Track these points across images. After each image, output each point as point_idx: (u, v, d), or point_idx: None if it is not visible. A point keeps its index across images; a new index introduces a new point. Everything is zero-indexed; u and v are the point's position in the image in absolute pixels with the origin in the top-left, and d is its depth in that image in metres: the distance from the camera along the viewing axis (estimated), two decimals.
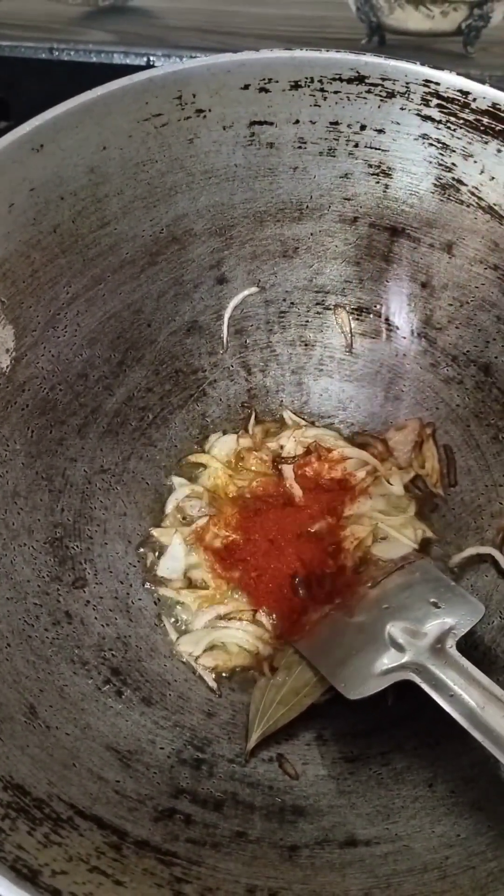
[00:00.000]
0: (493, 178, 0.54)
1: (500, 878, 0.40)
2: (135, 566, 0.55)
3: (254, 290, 0.61)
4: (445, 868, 0.41)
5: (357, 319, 0.62)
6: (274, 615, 0.54)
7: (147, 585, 0.55)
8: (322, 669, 0.51)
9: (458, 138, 0.54)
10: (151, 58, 0.88)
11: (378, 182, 0.57)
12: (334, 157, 0.57)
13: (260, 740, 0.49)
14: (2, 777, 0.40)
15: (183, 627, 0.55)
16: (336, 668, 0.50)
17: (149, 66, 0.86)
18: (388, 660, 0.48)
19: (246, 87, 0.53)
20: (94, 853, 0.39)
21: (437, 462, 0.59)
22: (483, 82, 0.53)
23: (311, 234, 0.60)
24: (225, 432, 0.62)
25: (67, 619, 0.50)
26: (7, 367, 0.50)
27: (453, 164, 0.55)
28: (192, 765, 0.47)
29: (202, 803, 0.45)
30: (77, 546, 0.53)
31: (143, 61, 0.88)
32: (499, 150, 0.53)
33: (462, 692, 0.45)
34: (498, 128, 0.53)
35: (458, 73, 0.53)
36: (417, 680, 0.46)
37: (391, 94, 0.54)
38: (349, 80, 0.53)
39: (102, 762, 0.45)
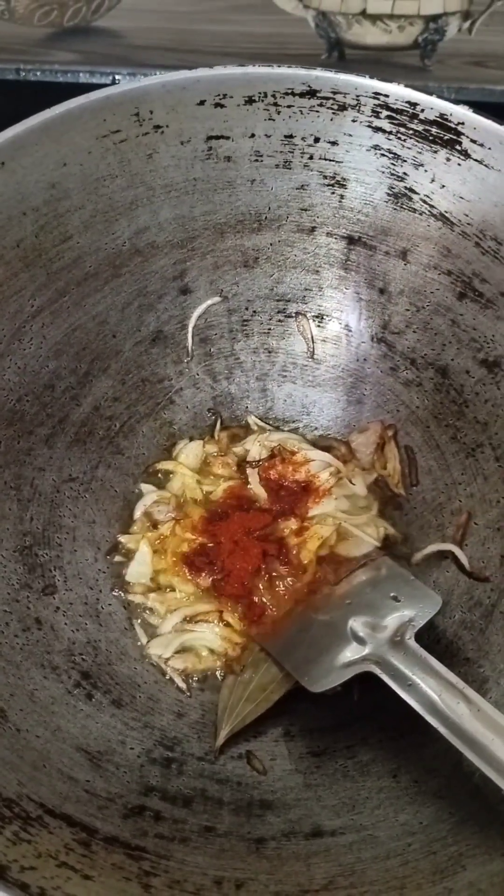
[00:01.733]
0: (443, 186, 0.56)
1: (459, 862, 0.41)
2: (104, 572, 0.56)
3: (217, 299, 0.62)
4: (407, 854, 0.43)
5: (318, 326, 0.63)
6: (240, 614, 0.55)
7: (116, 591, 0.56)
8: (286, 665, 0.52)
9: (409, 148, 0.56)
10: (117, 76, 0.90)
11: (333, 193, 0.59)
12: (290, 169, 0.58)
13: (228, 737, 0.50)
14: None
15: (152, 631, 0.56)
16: (300, 663, 0.51)
17: (114, 84, 0.88)
18: (350, 653, 0.50)
19: (202, 102, 0.55)
20: (62, 849, 0.40)
21: (399, 463, 0.60)
22: (436, 94, 0.55)
23: (271, 244, 0.61)
24: (192, 439, 0.63)
25: (38, 625, 0.51)
26: None
27: (405, 173, 0.56)
28: (161, 763, 0.48)
29: (171, 800, 0.46)
30: (46, 554, 0.54)
31: (108, 80, 0.90)
32: (448, 159, 0.55)
33: (420, 681, 0.46)
34: (446, 137, 0.54)
35: (415, 86, 0.55)
36: (377, 671, 0.48)
37: (343, 107, 0.55)
38: (301, 94, 0.55)
39: (72, 763, 0.46)
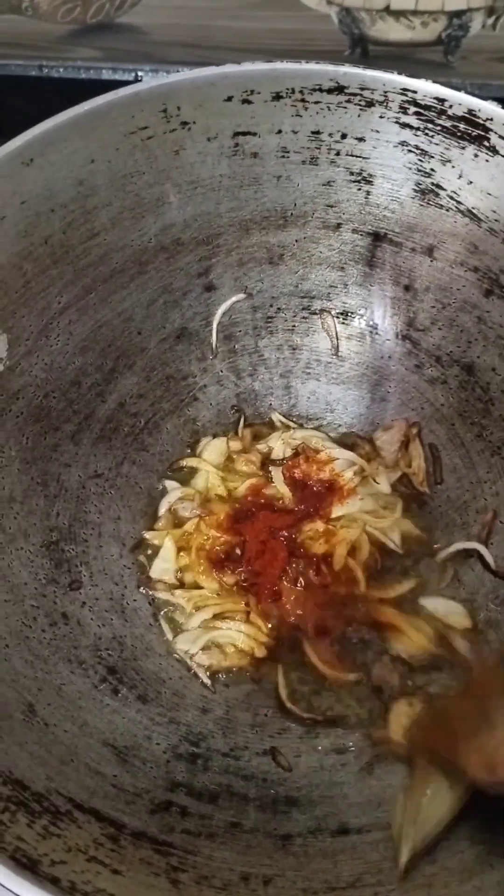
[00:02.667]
0: (470, 182, 0.55)
1: (486, 861, 0.41)
2: (129, 568, 0.57)
3: (241, 296, 0.62)
4: (435, 853, 0.42)
5: (342, 323, 0.63)
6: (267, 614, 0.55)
7: (142, 589, 0.56)
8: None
9: (436, 144, 0.55)
10: (139, 73, 0.89)
11: (360, 189, 0.59)
12: (317, 165, 0.58)
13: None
14: (1, 772, 0.41)
15: (177, 627, 0.56)
16: None
17: (136, 81, 0.88)
18: None
19: (229, 99, 0.55)
20: (91, 844, 0.40)
21: (423, 461, 0.60)
22: (459, 90, 0.55)
23: (296, 241, 0.61)
24: (215, 436, 0.63)
25: (64, 620, 0.51)
26: (1, 374, 0.52)
27: (432, 169, 0.56)
28: (187, 759, 0.48)
29: (197, 796, 0.46)
30: (73, 549, 0.54)
31: (130, 76, 0.90)
32: (475, 155, 0.55)
33: None
34: (474, 133, 0.54)
35: (439, 82, 0.55)
36: None
37: (370, 104, 0.55)
38: (329, 91, 0.55)
39: (100, 758, 0.46)
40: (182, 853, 0.42)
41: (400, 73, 0.54)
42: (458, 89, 0.55)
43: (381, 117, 0.55)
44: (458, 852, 0.42)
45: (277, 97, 0.55)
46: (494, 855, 0.42)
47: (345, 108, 0.55)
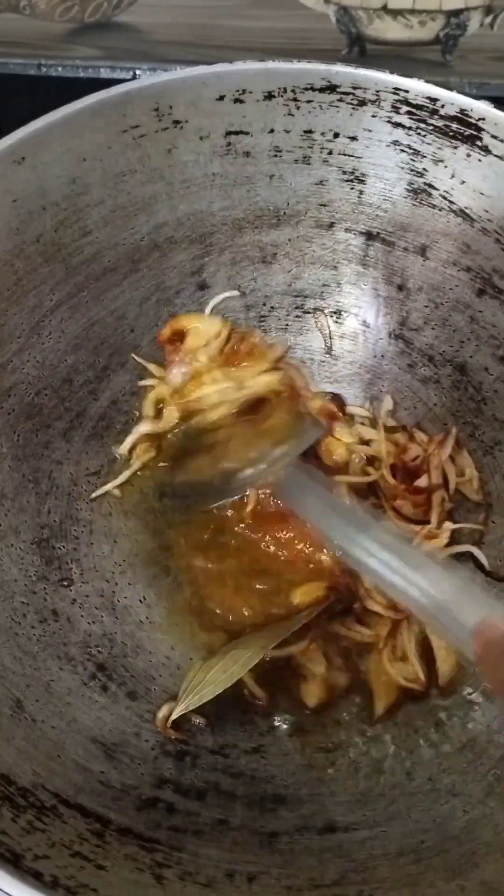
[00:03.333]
0: (463, 181, 0.55)
1: (472, 861, 0.41)
2: (120, 566, 0.57)
3: (234, 293, 0.62)
4: (420, 852, 0.43)
5: (336, 322, 0.63)
6: None
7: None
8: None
9: (429, 144, 0.55)
10: (137, 71, 0.90)
11: (352, 188, 0.59)
12: (309, 164, 0.58)
13: (181, 713, 0.50)
14: None
15: None
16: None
17: (135, 79, 0.88)
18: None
19: (221, 98, 0.55)
20: (76, 839, 0.40)
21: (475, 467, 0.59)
22: (457, 89, 0.55)
23: (289, 240, 0.61)
24: None
25: (54, 617, 0.52)
26: None
27: (424, 169, 0.56)
28: (175, 756, 0.49)
29: (185, 793, 0.46)
30: (63, 546, 0.55)
31: (129, 75, 0.90)
32: (468, 155, 0.55)
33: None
34: (466, 133, 0.54)
35: (436, 81, 0.55)
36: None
37: (362, 103, 0.55)
38: (321, 90, 0.55)
39: (87, 754, 0.46)
40: (168, 849, 0.42)
41: (392, 73, 0.54)
42: (456, 88, 0.55)
43: (373, 116, 0.55)
44: (444, 851, 0.42)
45: (269, 96, 0.55)
46: (480, 855, 0.42)
47: (337, 107, 0.55)
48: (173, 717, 0.50)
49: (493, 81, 0.87)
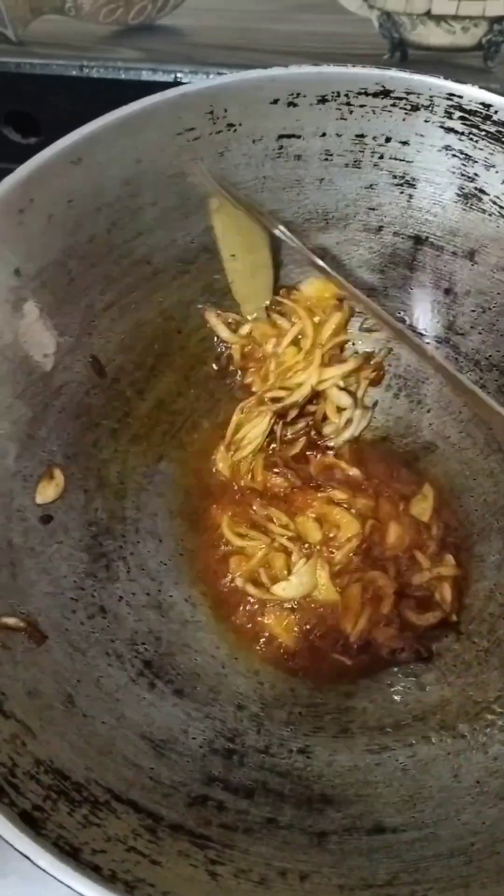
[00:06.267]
0: None
1: None
2: (166, 564, 0.57)
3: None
4: (471, 854, 0.43)
5: (381, 326, 0.63)
6: None
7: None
8: None
9: (481, 149, 0.55)
10: (178, 74, 0.90)
11: (402, 192, 0.59)
12: (360, 168, 0.58)
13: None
14: (43, 761, 0.42)
15: None
16: None
17: (176, 82, 0.88)
18: None
19: (275, 101, 0.55)
20: (130, 834, 0.41)
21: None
22: (499, 94, 0.55)
23: (337, 243, 0.61)
24: None
25: (102, 614, 0.52)
26: (48, 370, 0.53)
27: (476, 174, 0.56)
28: (223, 754, 0.49)
29: (234, 791, 0.47)
30: (110, 544, 0.55)
31: (170, 78, 0.90)
32: None
33: None
34: None
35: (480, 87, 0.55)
36: None
37: (415, 108, 0.55)
38: (374, 94, 0.55)
39: (137, 750, 0.46)
40: (219, 847, 0.42)
41: (446, 78, 0.54)
42: (498, 94, 0.56)
43: (425, 121, 0.56)
44: (495, 853, 0.42)
45: (323, 100, 0.55)
46: None
47: (389, 111, 0.56)
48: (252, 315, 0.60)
49: None
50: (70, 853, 0.37)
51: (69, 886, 0.36)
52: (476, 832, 0.44)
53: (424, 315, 0.62)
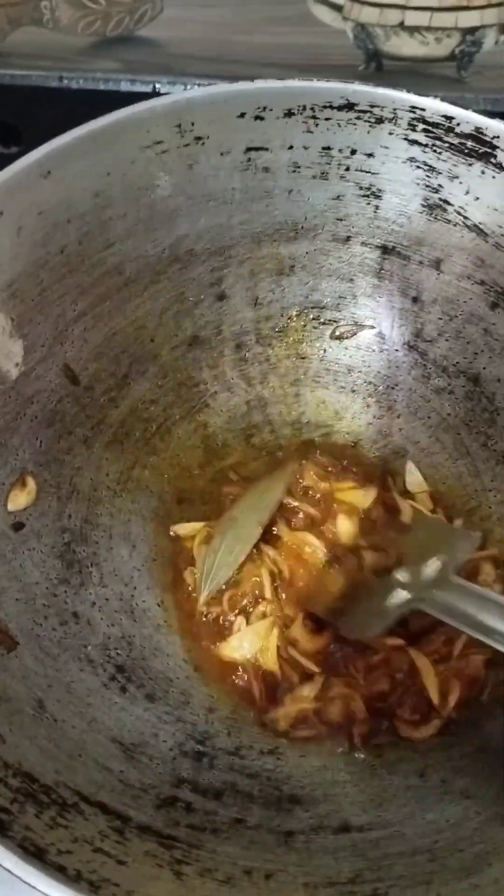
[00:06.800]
0: (477, 198, 0.57)
1: (485, 860, 0.42)
2: (139, 569, 0.58)
3: None
4: (435, 851, 0.43)
5: (352, 334, 0.64)
6: None
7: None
8: (328, 617, 0.55)
9: (444, 161, 0.57)
10: (157, 85, 0.91)
11: (369, 203, 0.60)
12: (327, 180, 0.59)
13: (208, 598, 0.57)
14: (11, 765, 0.42)
15: None
16: (344, 616, 0.54)
17: (154, 93, 0.89)
18: (395, 599, 0.52)
19: (242, 115, 0.56)
20: (97, 835, 0.41)
21: None
22: (472, 105, 0.56)
23: (307, 253, 0.62)
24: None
25: (74, 620, 0.53)
26: (16, 379, 0.53)
27: (440, 185, 0.57)
28: (193, 757, 0.50)
29: (203, 792, 0.47)
30: (84, 550, 0.56)
31: (149, 88, 0.91)
32: (482, 172, 0.56)
33: (470, 609, 0.47)
34: (481, 150, 0.55)
35: (452, 97, 0.56)
36: (428, 609, 0.49)
37: (380, 120, 0.56)
38: (339, 108, 0.56)
39: (107, 753, 0.47)
40: (186, 847, 0.43)
41: (409, 91, 0.55)
42: (471, 104, 0.57)
43: (390, 134, 0.57)
44: (458, 851, 0.43)
45: (289, 114, 0.57)
46: (493, 854, 0.42)
47: (354, 124, 0.57)
48: (202, 602, 0.57)
49: None
50: (35, 854, 0.38)
51: (33, 887, 0.36)
52: (440, 830, 0.45)
53: (393, 323, 0.63)
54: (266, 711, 0.54)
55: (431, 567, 0.52)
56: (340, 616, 0.55)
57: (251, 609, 0.57)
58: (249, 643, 0.56)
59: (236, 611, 0.57)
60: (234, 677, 0.55)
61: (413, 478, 0.63)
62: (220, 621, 0.57)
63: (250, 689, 0.55)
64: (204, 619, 0.57)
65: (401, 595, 0.52)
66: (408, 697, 0.53)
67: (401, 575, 0.53)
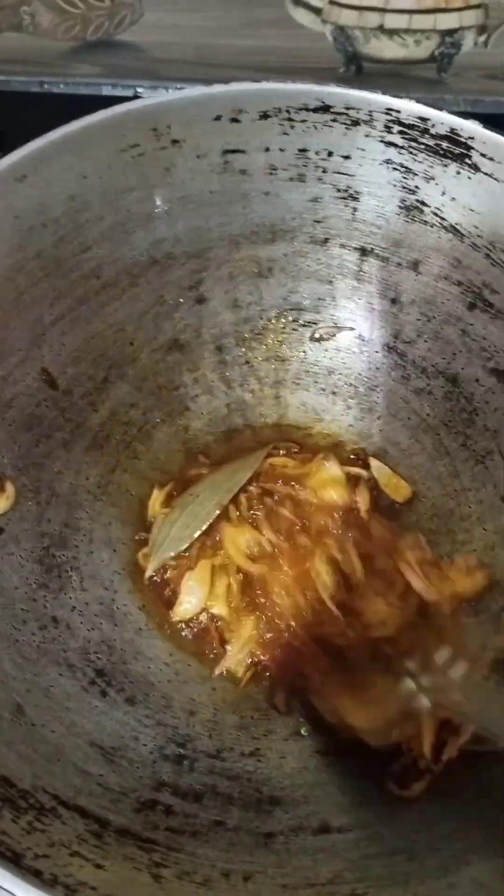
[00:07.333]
0: (453, 199, 0.57)
1: (463, 859, 0.42)
2: (119, 573, 0.58)
3: None
4: (413, 850, 0.44)
5: (331, 335, 0.64)
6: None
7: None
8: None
9: (420, 162, 0.57)
10: (138, 89, 0.91)
11: (346, 205, 0.60)
12: (304, 182, 0.60)
13: (156, 568, 0.58)
14: None
15: None
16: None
17: (135, 97, 0.89)
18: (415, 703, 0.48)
19: (218, 117, 0.57)
20: (75, 840, 0.41)
21: None
22: (452, 106, 0.57)
23: (285, 255, 0.63)
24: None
25: (54, 624, 0.53)
26: None
27: (416, 186, 0.58)
28: (173, 760, 0.50)
29: (183, 795, 0.47)
30: (64, 555, 0.56)
31: (130, 92, 0.92)
32: (458, 173, 0.56)
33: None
34: (456, 151, 0.56)
35: (432, 98, 0.57)
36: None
37: (355, 122, 0.57)
38: (315, 110, 0.56)
39: (86, 757, 0.47)
40: (165, 850, 0.43)
41: (384, 93, 0.56)
42: (451, 105, 0.57)
43: (366, 136, 0.57)
44: (436, 850, 0.43)
45: (265, 116, 0.57)
46: (471, 852, 0.43)
47: (331, 126, 0.57)
48: (149, 573, 0.57)
49: (487, 98, 0.89)
50: (11, 859, 0.38)
51: (9, 891, 0.36)
52: (418, 830, 0.45)
53: (372, 325, 0.63)
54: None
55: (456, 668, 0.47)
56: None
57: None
58: (196, 594, 0.57)
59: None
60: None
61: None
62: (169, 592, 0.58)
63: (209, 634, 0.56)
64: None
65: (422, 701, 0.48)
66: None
67: (424, 679, 0.48)
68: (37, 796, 0.42)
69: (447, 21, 0.86)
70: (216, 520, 0.58)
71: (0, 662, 0.48)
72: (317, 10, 0.87)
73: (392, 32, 0.87)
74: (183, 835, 0.44)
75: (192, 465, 0.63)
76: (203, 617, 0.57)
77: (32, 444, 0.56)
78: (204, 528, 0.58)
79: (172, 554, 0.58)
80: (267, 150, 0.58)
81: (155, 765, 0.49)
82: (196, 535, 0.58)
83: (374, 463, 0.63)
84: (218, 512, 0.58)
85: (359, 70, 0.91)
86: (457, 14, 0.85)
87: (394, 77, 0.91)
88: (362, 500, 0.60)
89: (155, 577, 0.58)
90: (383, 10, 0.85)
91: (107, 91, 0.92)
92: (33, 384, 0.56)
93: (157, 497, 0.61)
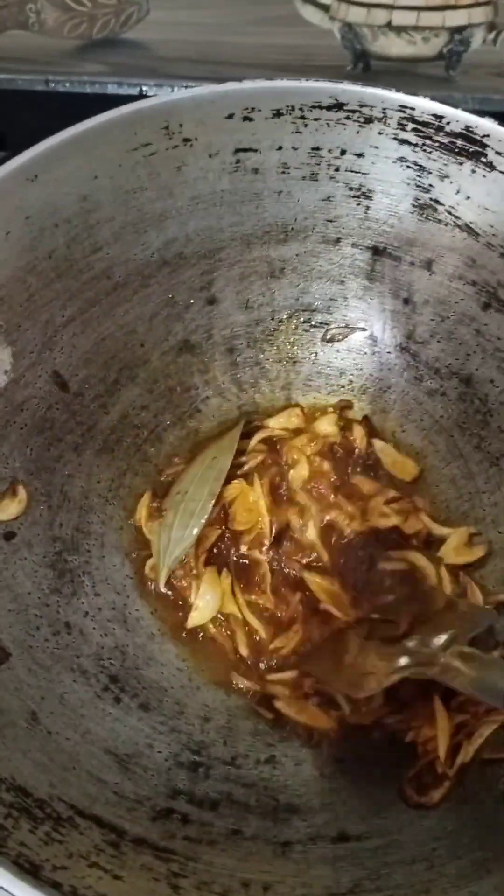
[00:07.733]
0: (468, 197, 0.56)
1: (484, 867, 0.42)
2: (131, 578, 0.57)
3: None
4: (433, 859, 0.43)
5: (343, 336, 0.64)
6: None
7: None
8: (323, 676, 0.53)
9: (434, 160, 0.56)
10: (144, 87, 0.91)
11: (359, 204, 0.59)
12: (316, 181, 0.59)
13: (167, 576, 0.57)
14: (4, 779, 0.42)
15: None
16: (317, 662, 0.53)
17: (141, 95, 0.89)
18: (398, 663, 0.49)
19: (230, 116, 0.56)
20: (93, 850, 0.41)
21: None
22: (460, 104, 0.56)
23: (297, 255, 0.62)
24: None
25: (67, 630, 0.52)
26: (5, 386, 0.53)
27: (430, 184, 0.57)
28: (188, 767, 0.49)
29: (199, 804, 0.47)
30: (76, 559, 0.55)
31: (135, 91, 0.91)
32: (473, 171, 0.55)
33: (477, 673, 0.46)
34: (471, 149, 0.55)
35: (440, 96, 0.56)
36: (430, 674, 0.47)
37: (369, 120, 0.56)
38: (328, 108, 0.56)
39: (101, 765, 0.46)
40: (183, 859, 0.42)
41: (398, 91, 0.55)
42: (460, 103, 0.56)
43: (379, 133, 0.56)
44: (456, 858, 0.43)
45: (278, 114, 0.56)
46: (492, 861, 0.42)
47: (344, 124, 0.56)
48: (163, 580, 0.56)
49: (496, 97, 0.88)
50: (30, 871, 0.37)
51: None
52: (438, 838, 0.44)
53: (385, 325, 0.62)
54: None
55: (441, 637, 0.49)
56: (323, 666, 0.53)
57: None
58: (209, 598, 0.57)
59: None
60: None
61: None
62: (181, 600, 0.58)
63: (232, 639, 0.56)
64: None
65: (403, 660, 0.49)
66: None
67: (410, 643, 0.50)
68: (53, 805, 0.42)
69: (456, 18, 0.85)
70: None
71: (14, 669, 0.48)
72: (325, 7, 0.86)
73: (400, 29, 0.86)
74: (200, 844, 0.44)
75: (166, 466, 0.62)
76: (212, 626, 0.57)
77: (44, 447, 0.55)
78: (203, 521, 0.57)
79: (179, 556, 0.57)
80: (279, 148, 0.57)
81: (170, 772, 0.48)
82: (196, 532, 0.57)
83: (378, 444, 0.62)
84: (213, 502, 0.58)
85: (366, 68, 0.91)
86: (465, 11, 0.84)
87: (402, 75, 0.90)
88: (358, 436, 0.61)
89: (165, 589, 0.58)
90: (391, 7, 0.84)
91: (112, 89, 0.91)
92: (45, 387, 0.55)
93: (140, 510, 0.60)
